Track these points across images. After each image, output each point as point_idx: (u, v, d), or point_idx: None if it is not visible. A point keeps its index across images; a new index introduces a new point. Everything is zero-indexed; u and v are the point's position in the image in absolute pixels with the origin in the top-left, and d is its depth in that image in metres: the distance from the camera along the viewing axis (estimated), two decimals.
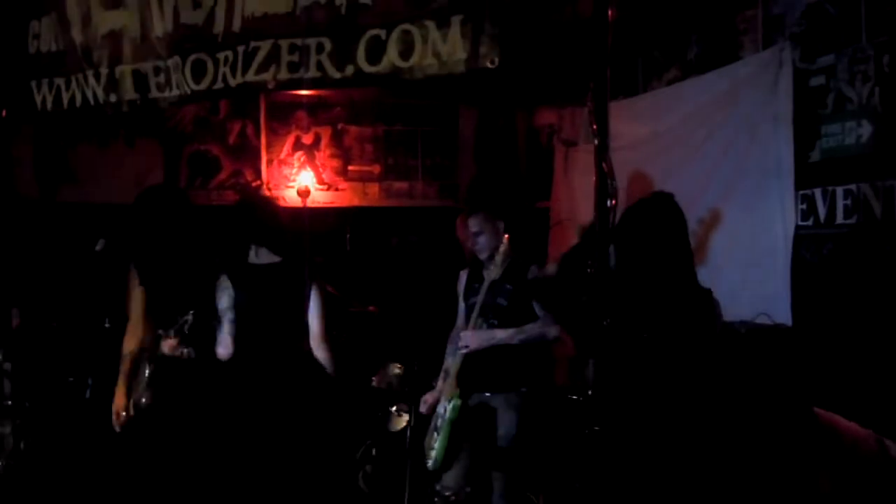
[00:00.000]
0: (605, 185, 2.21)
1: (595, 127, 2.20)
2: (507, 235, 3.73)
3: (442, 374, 3.89)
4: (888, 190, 3.41)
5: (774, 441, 1.00)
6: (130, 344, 3.87)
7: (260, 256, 3.62)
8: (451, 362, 3.77)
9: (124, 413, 3.64)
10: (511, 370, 3.71)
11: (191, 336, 3.69)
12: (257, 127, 6.45)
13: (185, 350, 3.52)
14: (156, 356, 3.67)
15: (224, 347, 3.53)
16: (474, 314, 3.69)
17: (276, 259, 3.61)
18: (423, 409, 3.87)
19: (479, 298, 3.69)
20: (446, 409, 3.63)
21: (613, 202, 2.20)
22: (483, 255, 3.78)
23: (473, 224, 3.79)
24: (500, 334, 3.66)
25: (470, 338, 3.64)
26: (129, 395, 3.67)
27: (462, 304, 3.94)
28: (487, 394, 3.72)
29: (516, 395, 3.70)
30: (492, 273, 3.67)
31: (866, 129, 3.52)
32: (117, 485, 3.48)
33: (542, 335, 3.68)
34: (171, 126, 6.22)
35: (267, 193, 6.39)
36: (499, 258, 3.64)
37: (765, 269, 3.98)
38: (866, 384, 3.30)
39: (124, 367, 3.76)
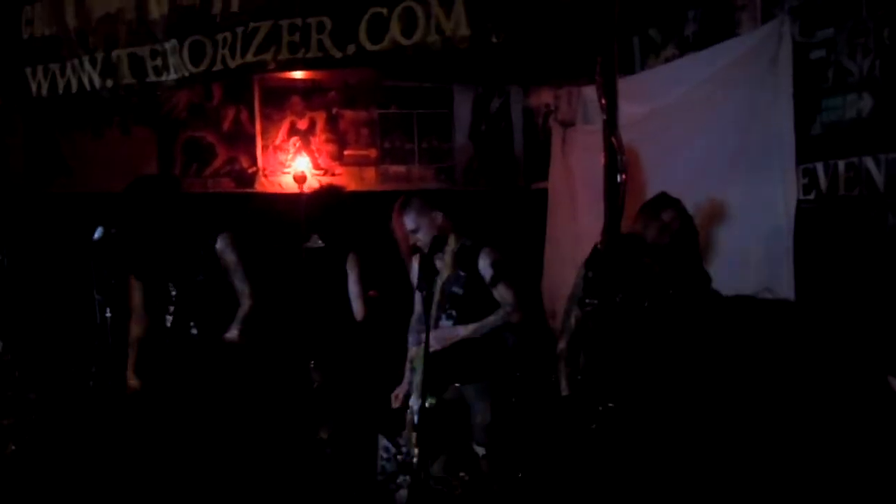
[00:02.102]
0: (614, 160, 2.19)
1: (604, 102, 2.18)
2: (448, 224, 3.67)
3: (408, 365, 3.85)
4: (890, 162, 3.40)
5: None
6: (136, 331, 3.89)
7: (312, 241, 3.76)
8: (416, 353, 3.73)
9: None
10: (479, 360, 3.67)
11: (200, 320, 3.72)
12: (252, 113, 6.39)
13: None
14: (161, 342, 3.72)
15: None
16: (433, 309, 3.59)
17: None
18: (394, 403, 3.83)
19: (436, 292, 3.63)
20: (419, 406, 3.58)
21: (623, 177, 2.18)
22: (426, 250, 3.65)
23: (409, 222, 3.68)
24: (462, 331, 3.62)
25: (433, 339, 3.56)
26: (139, 377, 3.74)
27: (417, 294, 3.87)
28: (457, 384, 3.70)
29: (488, 384, 3.67)
30: (444, 267, 3.62)
31: (867, 102, 3.51)
32: (122, 472, 3.48)
33: (505, 320, 3.62)
34: (165, 113, 6.16)
35: (262, 180, 6.37)
36: (447, 256, 3.60)
37: (767, 243, 3.98)
38: (870, 353, 3.30)
39: (132, 352, 3.81)
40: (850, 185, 3.61)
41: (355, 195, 6.29)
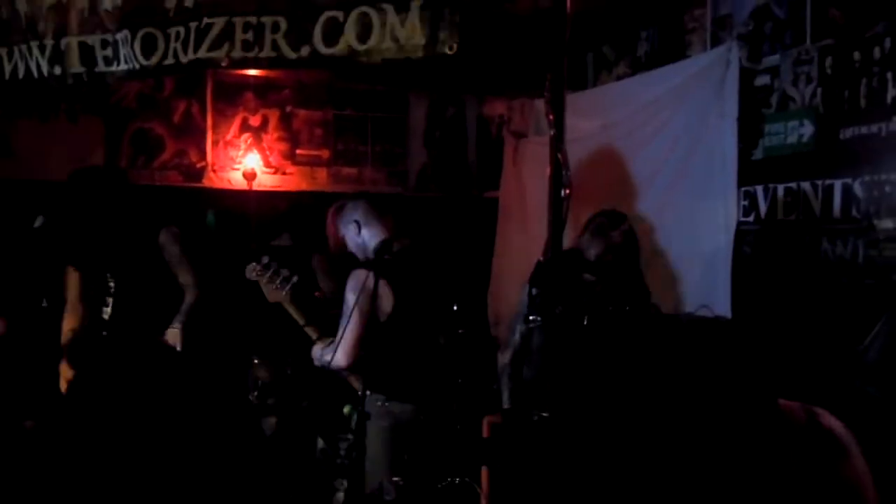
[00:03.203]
0: (559, 175, 2.23)
1: (552, 118, 2.22)
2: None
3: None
4: (827, 188, 3.53)
5: (748, 430, 1.02)
6: (70, 322, 3.84)
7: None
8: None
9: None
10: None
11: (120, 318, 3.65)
12: (203, 106, 6.31)
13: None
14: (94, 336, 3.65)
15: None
16: None
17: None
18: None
19: None
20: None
21: (567, 192, 2.23)
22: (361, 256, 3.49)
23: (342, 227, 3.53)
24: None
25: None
26: (73, 368, 3.67)
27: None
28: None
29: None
30: None
31: (808, 129, 3.63)
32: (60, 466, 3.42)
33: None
34: (113, 102, 6.05)
35: (211, 175, 6.30)
36: None
37: (707, 262, 4.08)
38: (799, 371, 3.42)
39: (66, 343, 3.75)
40: (789, 210, 3.73)
41: (306, 194, 6.31)
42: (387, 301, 3.19)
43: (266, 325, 4.45)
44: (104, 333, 3.65)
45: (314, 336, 3.40)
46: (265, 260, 3.38)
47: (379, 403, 3.29)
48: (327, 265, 4.22)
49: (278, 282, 3.35)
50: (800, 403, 1.13)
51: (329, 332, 3.30)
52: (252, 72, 6.06)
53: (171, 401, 3.51)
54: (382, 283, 3.09)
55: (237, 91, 6.33)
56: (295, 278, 3.33)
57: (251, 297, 4.47)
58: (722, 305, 3.96)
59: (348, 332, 3.08)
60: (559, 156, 2.23)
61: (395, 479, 3.16)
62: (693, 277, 4.15)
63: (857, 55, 3.36)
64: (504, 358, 3.50)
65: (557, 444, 2.21)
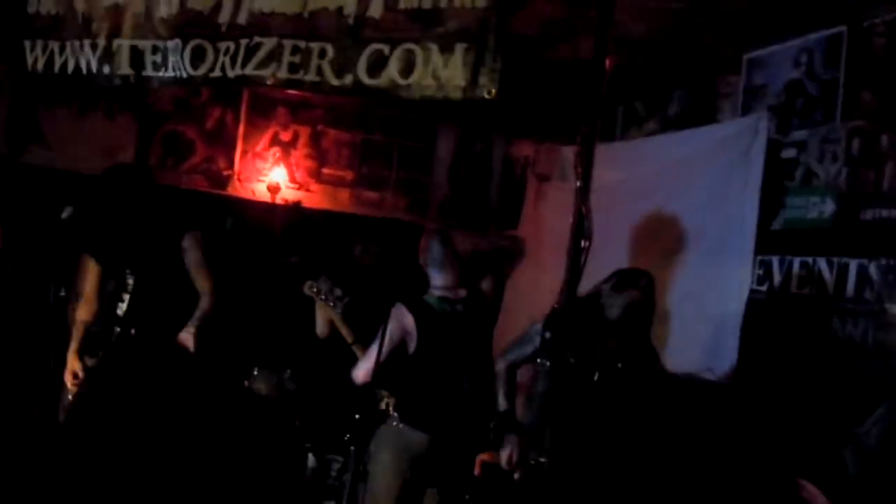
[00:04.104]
0: (581, 226, 2.27)
1: (580, 170, 2.27)
2: None
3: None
4: (842, 266, 3.56)
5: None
6: (82, 314, 3.89)
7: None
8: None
9: (78, 376, 3.70)
10: None
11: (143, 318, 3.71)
12: (237, 116, 6.43)
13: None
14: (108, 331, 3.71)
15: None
16: None
17: None
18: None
19: None
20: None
21: (588, 244, 2.27)
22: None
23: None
24: None
25: None
26: (81, 360, 3.72)
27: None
28: None
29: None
30: None
31: (829, 206, 3.67)
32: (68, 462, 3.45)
33: None
34: (149, 102, 6.17)
35: (236, 184, 6.39)
36: None
37: (716, 326, 4.10)
38: (794, 443, 3.43)
39: (78, 334, 3.80)
40: (803, 284, 3.76)
41: (325, 214, 6.38)
42: (413, 338, 3.46)
43: (273, 336, 4.50)
44: (117, 329, 3.70)
45: (360, 355, 3.57)
46: (322, 279, 3.58)
47: (394, 424, 3.46)
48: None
49: (333, 300, 3.49)
50: (785, 472, 1.16)
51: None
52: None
53: (175, 402, 3.55)
54: (413, 321, 3.43)
55: (271, 105, 6.44)
56: (347, 298, 3.51)
57: (262, 308, 4.53)
58: (727, 371, 3.98)
59: (373, 354, 3.29)
60: (583, 208, 2.28)
61: None
62: (701, 340, 4.16)
63: (884, 139, 3.41)
64: (499, 366, 3.56)
65: (551, 489, 2.24)
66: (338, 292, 3.53)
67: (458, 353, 3.57)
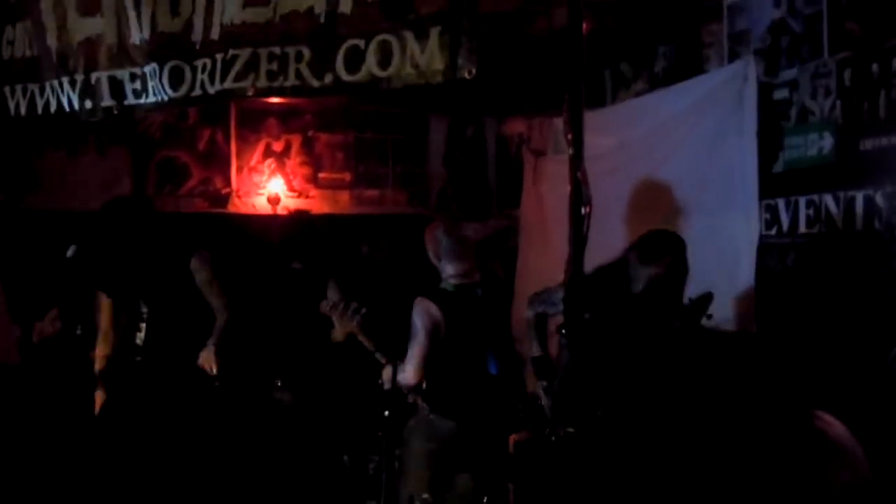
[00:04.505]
0: (579, 193, 2.27)
1: (570, 136, 2.26)
2: None
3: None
4: (849, 200, 3.52)
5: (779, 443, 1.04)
6: (103, 349, 3.92)
7: None
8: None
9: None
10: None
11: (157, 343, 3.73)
12: (227, 134, 6.43)
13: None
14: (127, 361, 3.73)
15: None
16: None
17: None
18: None
19: None
20: None
21: (588, 209, 2.27)
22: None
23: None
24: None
25: None
26: (106, 393, 3.76)
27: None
28: None
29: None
30: None
31: (828, 141, 3.63)
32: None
33: None
34: (139, 132, 6.17)
35: (236, 201, 6.40)
36: None
37: (730, 277, 4.08)
38: (823, 382, 3.41)
39: (100, 369, 3.83)
40: (811, 223, 3.73)
41: (329, 218, 6.38)
42: (442, 328, 3.49)
43: (292, 348, 4.50)
44: (138, 359, 3.72)
45: (383, 361, 3.58)
46: (334, 296, 3.70)
47: (425, 414, 3.52)
48: (340, 290, 4.29)
49: (349, 314, 3.51)
50: (805, 408, 1.15)
51: (395, 356, 3.53)
52: (274, 98, 6.15)
53: (200, 426, 3.56)
54: (439, 311, 3.46)
55: (260, 118, 6.44)
56: (364, 309, 3.51)
57: (278, 320, 4.53)
58: (747, 320, 3.96)
59: (417, 352, 3.38)
60: (579, 174, 2.27)
61: (424, 496, 3.20)
62: (717, 291, 4.12)
63: (875, 67, 3.37)
64: (528, 314, 3.66)
65: (581, 460, 2.24)
66: (353, 305, 3.53)
67: (482, 337, 3.63)
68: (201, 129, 6.36)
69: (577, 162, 2.25)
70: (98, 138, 5.99)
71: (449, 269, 3.61)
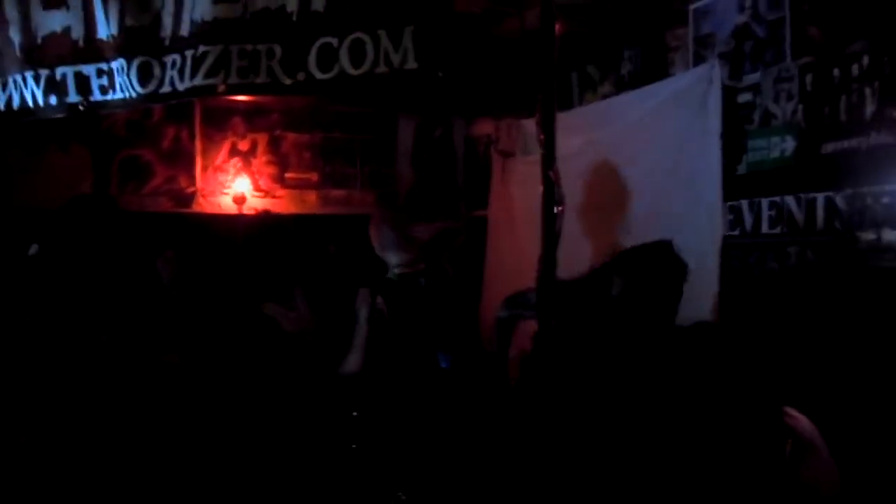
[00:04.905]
0: (551, 193, 2.29)
1: (542, 138, 2.28)
2: None
3: None
4: (810, 201, 3.61)
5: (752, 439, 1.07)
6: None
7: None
8: None
9: None
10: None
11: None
12: (192, 132, 6.35)
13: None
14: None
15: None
16: None
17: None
18: None
19: None
20: None
21: (560, 209, 2.29)
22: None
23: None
24: None
25: None
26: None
27: None
28: None
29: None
30: None
31: (790, 144, 3.71)
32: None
33: None
34: (103, 130, 6.08)
35: (201, 200, 6.33)
36: None
37: (695, 276, 4.13)
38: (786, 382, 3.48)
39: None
40: (773, 223, 3.80)
41: (296, 218, 6.34)
42: (384, 317, 3.54)
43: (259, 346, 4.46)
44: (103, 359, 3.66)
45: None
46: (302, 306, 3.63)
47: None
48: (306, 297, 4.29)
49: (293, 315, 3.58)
50: (771, 402, 1.18)
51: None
52: (241, 97, 6.11)
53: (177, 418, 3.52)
54: (381, 300, 3.51)
55: (226, 116, 6.38)
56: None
57: (246, 319, 4.49)
58: (711, 317, 4.02)
59: (359, 342, 3.43)
60: (551, 174, 2.29)
61: (399, 494, 3.21)
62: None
63: (836, 72, 3.45)
64: (503, 314, 3.58)
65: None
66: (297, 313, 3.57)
67: (428, 328, 3.65)
68: (166, 127, 6.27)
69: (549, 162, 2.27)
70: (60, 136, 5.89)
71: (393, 260, 3.67)
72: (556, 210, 2.27)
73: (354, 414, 3.64)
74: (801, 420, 1.09)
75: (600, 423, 3.02)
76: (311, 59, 2.51)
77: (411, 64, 2.37)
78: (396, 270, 3.65)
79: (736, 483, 1.08)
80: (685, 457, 1.13)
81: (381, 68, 2.41)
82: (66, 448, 3.40)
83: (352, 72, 2.46)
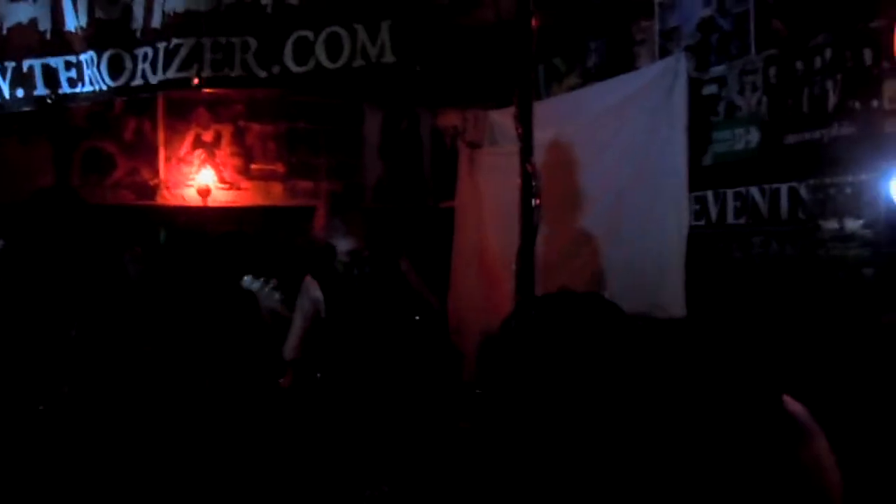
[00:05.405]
0: (529, 185, 2.32)
1: (520, 130, 2.30)
2: None
3: None
4: (774, 192, 3.69)
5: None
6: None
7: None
8: None
9: None
10: None
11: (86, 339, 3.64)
12: (154, 123, 6.27)
13: None
14: None
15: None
16: None
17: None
18: None
19: None
20: None
21: (538, 202, 2.32)
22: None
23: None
24: None
25: None
26: None
27: None
28: None
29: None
30: None
31: (754, 136, 3.79)
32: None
33: None
34: (63, 122, 5.96)
35: (164, 192, 6.25)
36: None
37: (661, 266, 4.20)
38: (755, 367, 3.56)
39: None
40: (738, 213, 3.88)
41: (262, 209, 6.30)
42: (322, 305, 3.67)
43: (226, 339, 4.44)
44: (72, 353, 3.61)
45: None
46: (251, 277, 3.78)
47: None
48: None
49: (268, 290, 3.72)
50: (761, 389, 1.20)
51: None
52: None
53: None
54: (318, 288, 3.64)
55: (189, 107, 6.30)
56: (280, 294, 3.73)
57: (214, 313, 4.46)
58: (676, 307, 4.09)
59: (296, 329, 3.60)
60: (528, 166, 2.32)
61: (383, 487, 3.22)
62: (648, 280, 4.26)
63: (799, 65, 3.53)
64: None
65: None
66: (273, 283, 3.75)
67: (372, 313, 3.71)
68: (128, 118, 6.18)
69: (526, 154, 2.30)
70: (21, 128, 5.77)
71: (340, 247, 3.73)
72: (534, 203, 2.30)
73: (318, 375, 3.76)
74: (797, 405, 1.12)
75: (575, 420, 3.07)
76: (287, 52, 2.50)
77: (389, 58, 2.38)
78: (343, 258, 3.72)
79: (738, 474, 1.11)
80: (684, 447, 1.16)
81: (359, 62, 2.42)
82: (39, 445, 3.35)
83: (329, 65, 2.46)
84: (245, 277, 3.78)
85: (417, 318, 3.83)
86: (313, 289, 3.65)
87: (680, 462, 1.11)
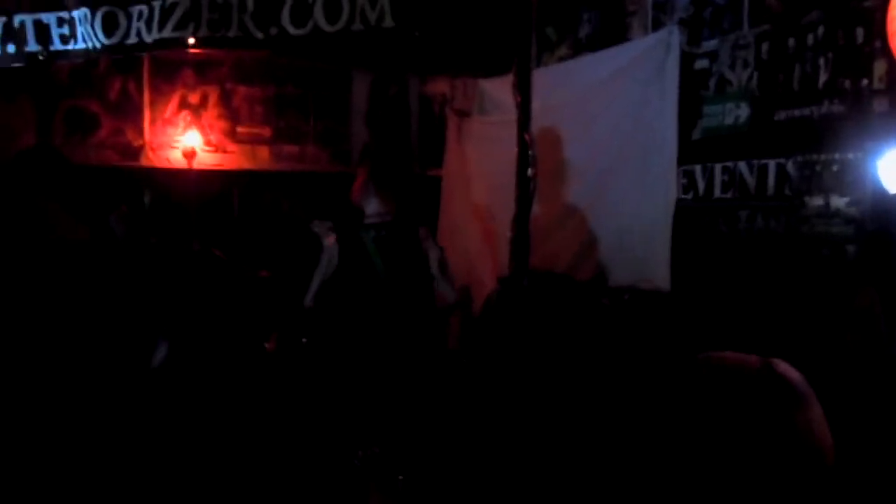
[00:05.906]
0: (525, 155, 2.33)
1: (519, 99, 2.31)
2: None
3: None
4: (762, 167, 3.72)
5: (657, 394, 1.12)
6: None
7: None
8: None
9: None
10: None
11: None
12: (140, 84, 6.19)
13: None
14: None
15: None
16: None
17: None
18: None
19: None
20: None
21: (533, 172, 2.33)
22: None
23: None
24: None
25: None
26: None
27: None
28: None
29: None
30: None
31: (744, 111, 3.81)
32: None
33: None
34: (45, 79, 5.87)
35: (149, 154, 6.20)
36: None
37: (648, 237, 4.25)
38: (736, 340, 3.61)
39: None
40: (725, 188, 3.92)
41: (248, 173, 6.25)
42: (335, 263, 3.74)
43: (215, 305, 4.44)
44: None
45: None
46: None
47: None
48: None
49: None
50: (756, 355, 1.23)
51: None
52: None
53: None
54: (336, 245, 3.72)
55: (175, 68, 6.22)
56: None
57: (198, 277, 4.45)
58: (662, 279, 4.14)
59: (314, 280, 3.68)
60: (526, 136, 2.33)
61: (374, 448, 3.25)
62: (635, 252, 4.31)
63: (791, 41, 3.54)
64: None
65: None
66: None
67: (382, 280, 3.76)
68: (112, 77, 6.09)
69: (524, 124, 2.31)
70: (3, 84, 5.67)
71: (368, 209, 3.77)
72: (529, 172, 2.31)
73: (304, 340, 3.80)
74: (791, 370, 1.15)
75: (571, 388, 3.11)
76: (285, 13, 2.47)
77: (388, 22, 2.37)
78: (367, 221, 3.75)
79: (733, 437, 1.14)
80: (678, 412, 1.19)
81: (357, 25, 2.40)
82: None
83: (327, 28, 2.44)
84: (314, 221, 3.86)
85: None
86: (329, 241, 3.73)
87: (672, 428, 1.14)
